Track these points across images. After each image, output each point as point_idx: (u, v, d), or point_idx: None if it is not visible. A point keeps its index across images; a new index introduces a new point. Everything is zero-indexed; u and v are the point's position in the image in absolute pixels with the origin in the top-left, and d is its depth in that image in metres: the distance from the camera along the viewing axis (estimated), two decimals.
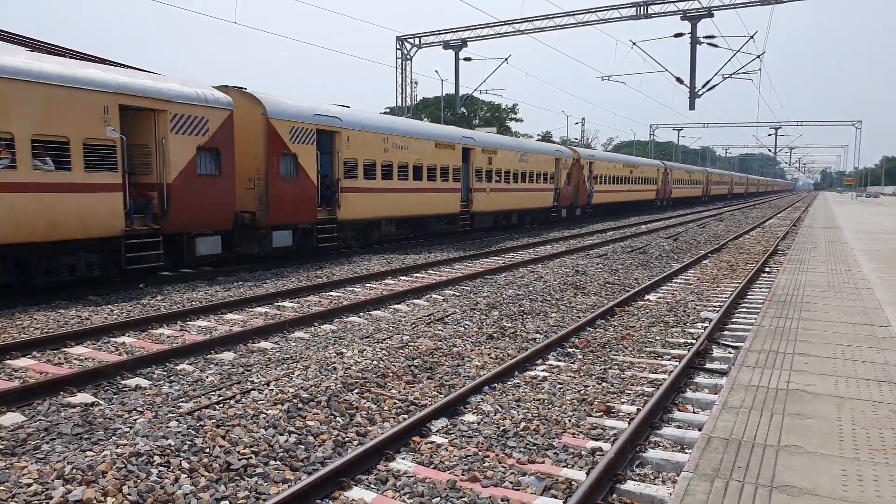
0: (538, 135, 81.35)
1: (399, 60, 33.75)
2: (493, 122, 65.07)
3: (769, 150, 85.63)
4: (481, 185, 19.97)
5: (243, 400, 5.36)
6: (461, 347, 7.29)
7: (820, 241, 15.77)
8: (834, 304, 7.45)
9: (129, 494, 3.80)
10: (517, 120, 71.03)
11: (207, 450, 4.42)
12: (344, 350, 6.90)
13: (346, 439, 4.83)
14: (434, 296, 10.41)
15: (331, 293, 10.55)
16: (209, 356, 6.79)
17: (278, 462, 4.39)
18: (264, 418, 4.96)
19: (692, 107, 32.15)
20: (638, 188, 32.17)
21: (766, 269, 13.70)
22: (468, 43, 33.77)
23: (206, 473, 4.12)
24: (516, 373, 6.49)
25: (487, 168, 20.09)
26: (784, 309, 7.15)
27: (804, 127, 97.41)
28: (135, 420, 4.90)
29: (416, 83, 74.43)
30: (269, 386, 5.71)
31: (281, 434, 4.77)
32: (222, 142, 11.12)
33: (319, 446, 4.69)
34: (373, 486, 4.22)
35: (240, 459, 4.35)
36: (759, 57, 34.40)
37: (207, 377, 6.04)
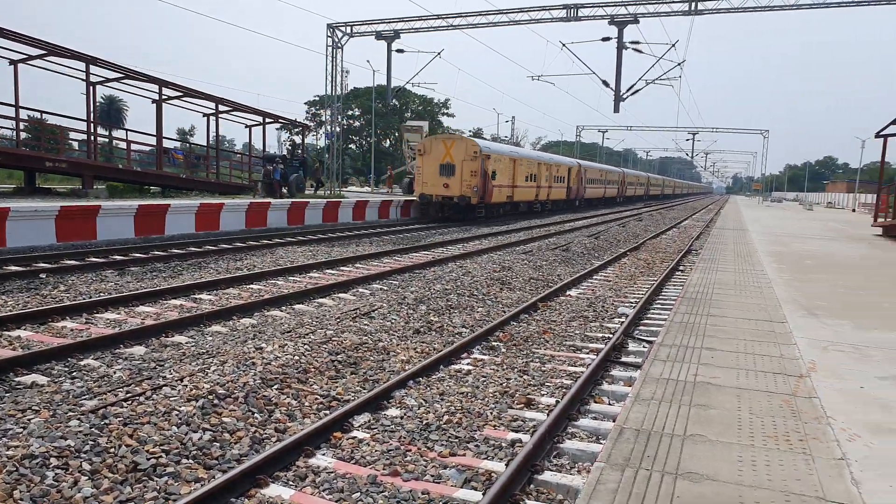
0: (469, 131, 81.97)
1: (330, 48, 33.21)
2: (425, 115, 65.02)
3: (687, 154, 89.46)
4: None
5: (154, 396, 5.15)
6: (387, 342, 7.26)
7: (729, 242, 16.60)
8: (739, 301, 7.86)
9: (21, 500, 3.58)
10: (449, 115, 71.30)
11: (112, 450, 4.22)
12: (264, 345, 6.74)
13: (265, 436, 4.73)
14: (361, 290, 10.33)
15: (251, 286, 10.29)
16: (117, 351, 6.47)
17: (191, 461, 4.25)
18: (177, 415, 4.79)
19: (616, 110, 33.17)
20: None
21: (680, 268, 14.30)
22: (401, 35, 33.59)
23: (111, 475, 3.94)
24: (441, 366, 6.52)
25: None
26: (695, 306, 7.49)
27: (718, 133, 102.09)
28: (29, 420, 4.60)
29: (347, 72, 73.43)
30: (182, 382, 5.51)
31: (194, 431, 4.61)
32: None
33: (236, 443, 4.56)
34: (291, 482, 4.14)
35: (148, 459, 4.17)
36: (679, 65, 35.80)
37: (115, 373, 5.76)
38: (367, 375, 6.19)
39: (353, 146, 69.90)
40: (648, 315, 9.26)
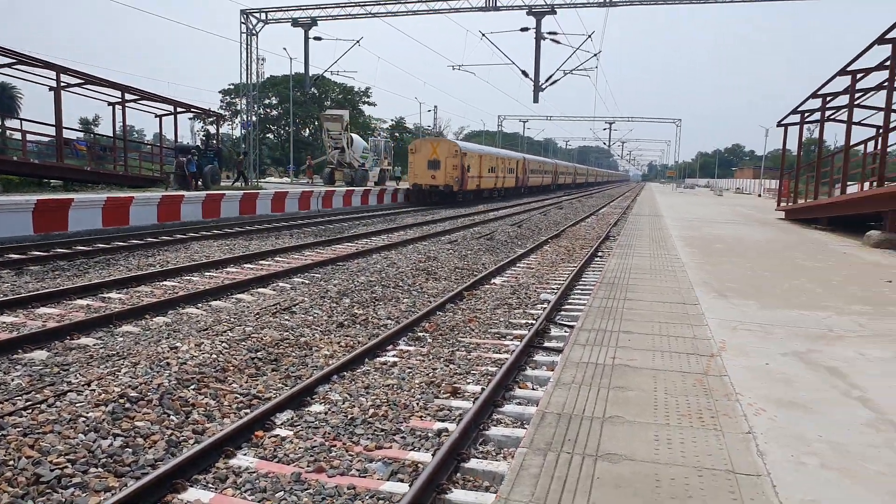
0: (392, 120, 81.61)
1: (244, 35, 32.18)
2: (345, 104, 64.16)
3: (604, 143, 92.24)
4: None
5: (58, 403, 4.86)
6: (309, 337, 7.14)
7: (645, 228, 17.26)
8: (655, 285, 8.19)
9: None
10: (370, 104, 70.63)
11: (11, 462, 3.96)
12: (179, 344, 6.49)
13: (182, 438, 4.56)
14: (281, 284, 10.11)
15: (165, 283, 9.88)
16: (15, 356, 6.05)
17: (100, 469, 4.04)
18: (84, 422, 4.54)
19: (536, 100, 33.78)
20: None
21: (599, 254, 14.76)
22: (318, 22, 32.92)
23: (10, 489, 3.69)
24: (366, 360, 6.48)
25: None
26: (612, 290, 7.75)
27: (634, 123, 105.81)
28: None
29: (262, 60, 71.42)
30: (90, 386, 5.23)
31: (104, 438, 4.39)
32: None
33: (150, 448, 4.38)
34: (211, 485, 4.01)
35: (52, 470, 3.93)
36: (595, 55, 36.78)
37: (13, 380, 5.39)
38: (290, 372, 6.07)
39: (270, 136, 68.20)
40: (569, 301, 9.50)
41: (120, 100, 25.18)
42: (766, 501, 2.84)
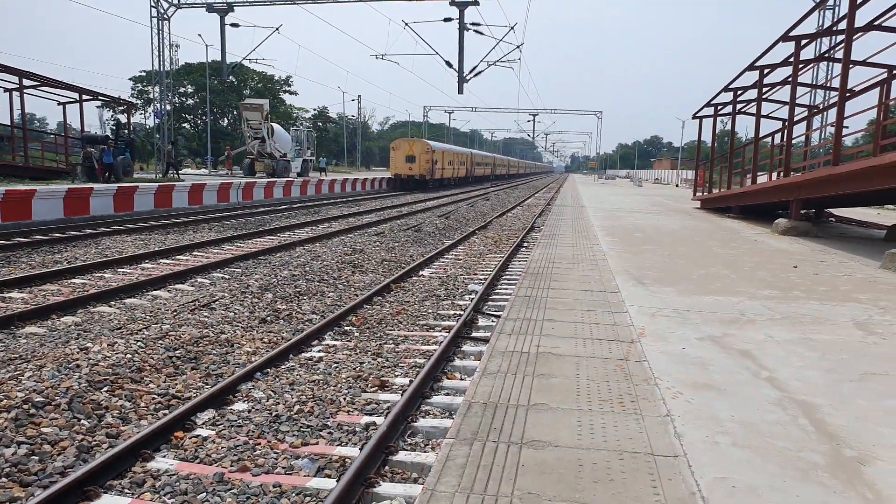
0: (314, 110, 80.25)
1: (154, 20, 30.81)
2: (265, 93, 62.56)
3: (528, 135, 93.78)
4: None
5: None
6: (230, 334, 6.96)
7: (568, 219, 17.69)
8: (578, 274, 8.42)
9: None
10: (292, 93, 69.20)
11: None
12: (90, 344, 6.19)
13: (94, 443, 4.35)
14: (200, 280, 9.80)
15: (73, 280, 9.39)
16: None
17: (3, 479, 3.81)
18: None
19: (461, 91, 33.94)
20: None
21: (525, 245, 15.04)
22: (235, 8, 31.91)
23: None
24: (291, 356, 6.38)
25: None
26: (537, 280, 7.91)
27: (557, 115, 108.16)
28: None
29: (176, 46, 68.53)
30: None
31: (6, 446, 4.14)
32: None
33: (59, 455, 4.16)
34: (127, 490, 3.85)
35: None
36: (518, 47, 37.28)
37: None
38: (210, 370, 5.90)
39: (186, 125, 65.83)
40: (496, 291, 9.65)
41: (17, 86, 23.63)
42: (682, 481, 2.98)
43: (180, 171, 31.57)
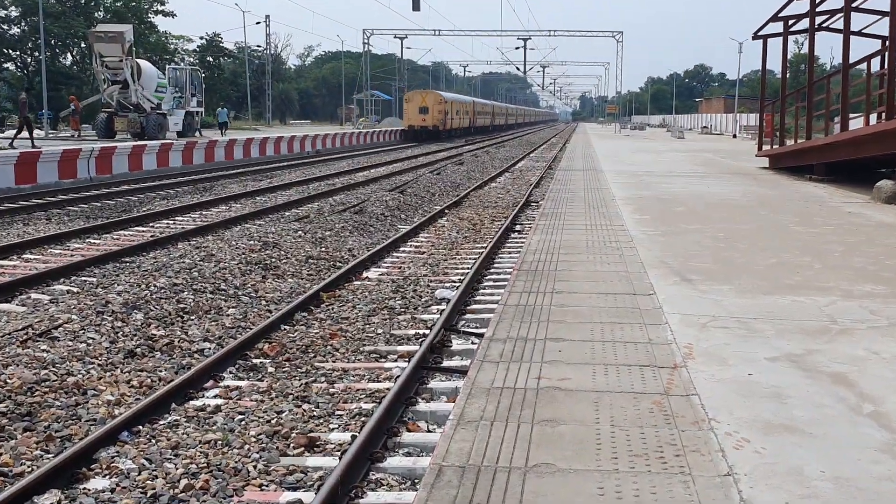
0: (201, 38, 79.46)
1: None
2: (126, 15, 61.71)
3: (517, 68, 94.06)
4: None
5: None
6: (82, 375, 6.84)
7: (578, 189, 17.76)
8: (593, 269, 8.42)
9: None
10: (166, 14, 68.36)
11: None
12: None
13: None
14: (35, 296, 9.63)
15: None
16: None
17: None
18: None
19: (416, 6, 33.87)
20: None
21: (517, 228, 15.08)
22: None
23: None
24: (174, 405, 6.29)
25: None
26: (535, 280, 7.90)
27: (558, 39, 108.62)
28: None
29: None
30: None
31: None
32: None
33: None
34: None
35: None
36: None
37: None
38: (53, 431, 5.78)
39: (10, 66, 64.52)
40: (477, 298, 9.64)
41: None
42: None
43: (32, 131, 30.75)
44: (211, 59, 78.04)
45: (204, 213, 17.59)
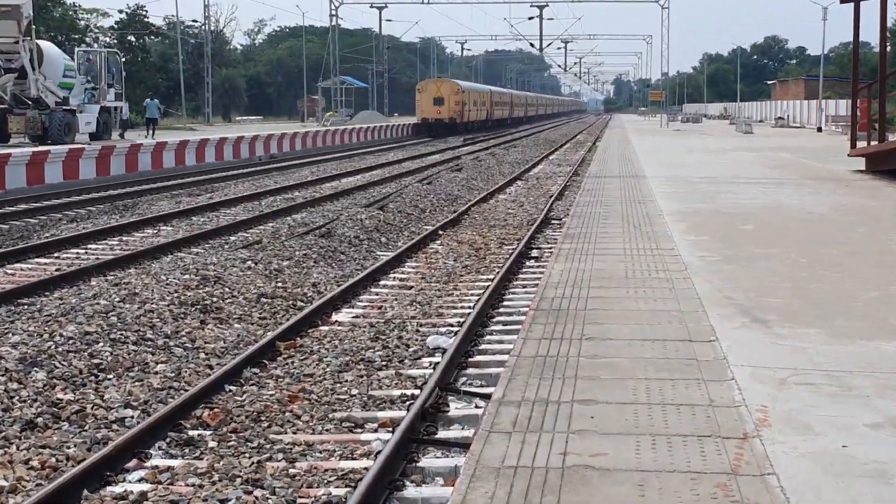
0: (121, 13, 79.77)
1: None
2: None
3: (531, 45, 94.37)
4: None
5: None
6: None
7: (614, 201, 17.75)
8: (634, 308, 8.37)
9: None
10: None
11: None
12: None
13: None
14: None
15: None
16: None
17: None
18: None
19: None
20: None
21: (533, 253, 15.05)
22: None
23: None
24: (86, 492, 6.24)
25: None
26: (558, 323, 7.85)
27: (584, 6, 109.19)
28: None
29: None
30: None
31: None
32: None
33: None
34: None
35: None
36: None
37: None
38: None
39: None
40: (481, 347, 9.60)
41: None
42: None
43: None
44: (133, 39, 78.27)
45: (125, 239, 17.51)
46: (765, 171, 25.51)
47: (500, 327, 10.44)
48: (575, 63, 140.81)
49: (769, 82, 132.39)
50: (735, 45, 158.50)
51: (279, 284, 12.90)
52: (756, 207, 16.31)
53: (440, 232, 17.88)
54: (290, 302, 12.00)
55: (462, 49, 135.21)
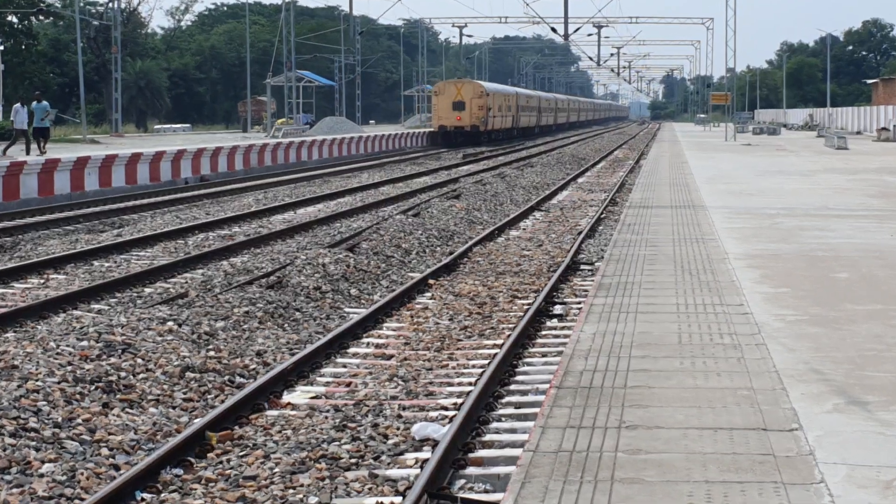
0: None
1: None
2: None
3: (553, 30, 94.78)
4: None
5: None
6: None
7: (663, 239, 17.76)
8: (691, 385, 8.37)
9: None
10: None
11: None
12: None
13: None
14: None
15: None
16: None
17: None
18: None
19: None
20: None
21: (555, 311, 14.99)
22: None
23: None
24: None
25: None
26: (589, 404, 7.84)
27: None
28: None
29: None
30: None
31: None
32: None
33: None
34: None
35: None
36: None
37: None
38: None
39: None
40: (486, 438, 9.57)
41: None
42: None
43: None
44: (16, 21, 78.53)
45: (1, 291, 17.50)
46: (864, 200, 25.59)
47: (510, 411, 10.38)
48: (612, 55, 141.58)
49: (869, 81, 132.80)
50: (823, 33, 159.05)
51: (211, 353, 12.77)
52: (853, 250, 16.33)
53: (431, 281, 17.86)
54: (226, 377, 11.88)
55: (461, 35, 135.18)
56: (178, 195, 35.72)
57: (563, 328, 13.71)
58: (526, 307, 15.27)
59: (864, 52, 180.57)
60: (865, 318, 10.98)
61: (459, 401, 10.68)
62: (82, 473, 8.95)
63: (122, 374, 11.72)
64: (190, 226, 25.86)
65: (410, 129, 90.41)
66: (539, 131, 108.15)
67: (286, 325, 14.77)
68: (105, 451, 9.50)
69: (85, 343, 12.87)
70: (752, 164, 43.38)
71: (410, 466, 8.99)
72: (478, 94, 77.67)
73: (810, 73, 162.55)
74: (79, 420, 10.23)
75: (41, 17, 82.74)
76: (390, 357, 12.87)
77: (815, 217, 21.23)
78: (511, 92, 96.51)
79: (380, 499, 8.32)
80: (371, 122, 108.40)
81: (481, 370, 11.78)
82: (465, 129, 76.54)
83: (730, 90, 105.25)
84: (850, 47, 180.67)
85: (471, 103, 76.64)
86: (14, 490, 8.56)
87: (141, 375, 11.74)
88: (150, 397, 11.10)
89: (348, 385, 11.62)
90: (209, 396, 11.26)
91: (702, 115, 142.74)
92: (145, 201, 33.22)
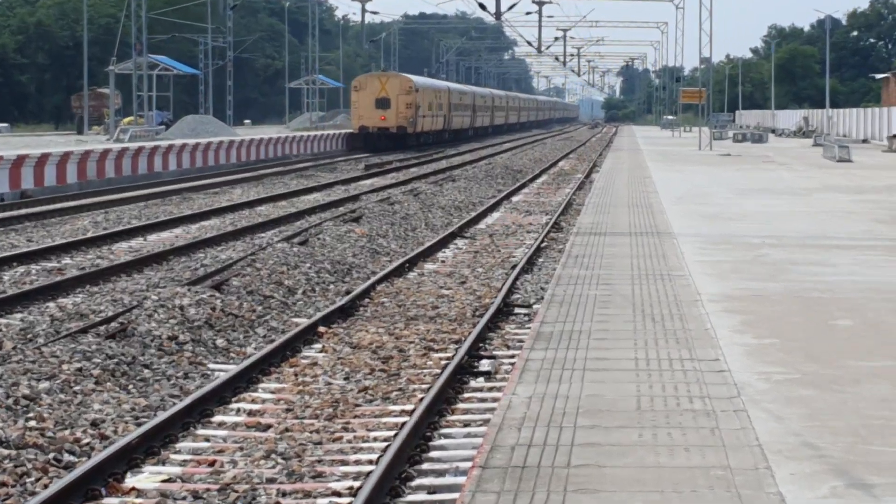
0: None
1: None
2: None
3: (482, 6, 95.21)
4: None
5: None
6: None
7: (619, 275, 17.87)
8: (652, 464, 8.41)
9: None
10: None
11: None
12: None
13: None
14: None
15: None
16: None
17: None
18: None
19: None
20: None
21: (482, 367, 15.02)
22: None
23: None
24: None
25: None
26: (522, 490, 7.84)
27: None
28: None
29: None
30: None
31: None
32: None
33: None
34: None
35: None
36: None
37: None
38: None
39: None
40: None
41: None
42: None
43: None
44: None
45: None
46: (871, 226, 25.91)
47: (422, 497, 10.37)
48: (556, 39, 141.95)
49: (878, 76, 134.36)
50: (822, 14, 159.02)
51: (32, 424, 12.62)
52: (857, 290, 16.50)
53: (321, 329, 17.84)
54: (52, 455, 11.75)
55: (363, 11, 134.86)
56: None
57: (490, 390, 13.75)
58: (444, 362, 15.30)
59: (871, 40, 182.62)
60: (871, 378, 11.07)
61: (356, 484, 10.64)
62: None
63: None
64: (6, 256, 25.63)
65: (297, 132, 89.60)
66: (473, 134, 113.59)
67: (131, 385, 14.63)
68: None
69: None
70: (731, 179, 43.81)
71: None
72: (405, 90, 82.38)
73: (805, 65, 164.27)
74: None
75: None
76: (267, 428, 12.77)
77: (809, 248, 21.45)
78: (443, 87, 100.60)
79: None
80: (246, 121, 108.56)
81: (385, 444, 11.76)
82: (390, 131, 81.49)
83: (704, 85, 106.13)
84: (855, 33, 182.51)
85: (397, 100, 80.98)
86: None
87: None
88: None
89: (211, 464, 11.49)
90: (28, 480, 11.03)
91: (669, 118, 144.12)
92: None
